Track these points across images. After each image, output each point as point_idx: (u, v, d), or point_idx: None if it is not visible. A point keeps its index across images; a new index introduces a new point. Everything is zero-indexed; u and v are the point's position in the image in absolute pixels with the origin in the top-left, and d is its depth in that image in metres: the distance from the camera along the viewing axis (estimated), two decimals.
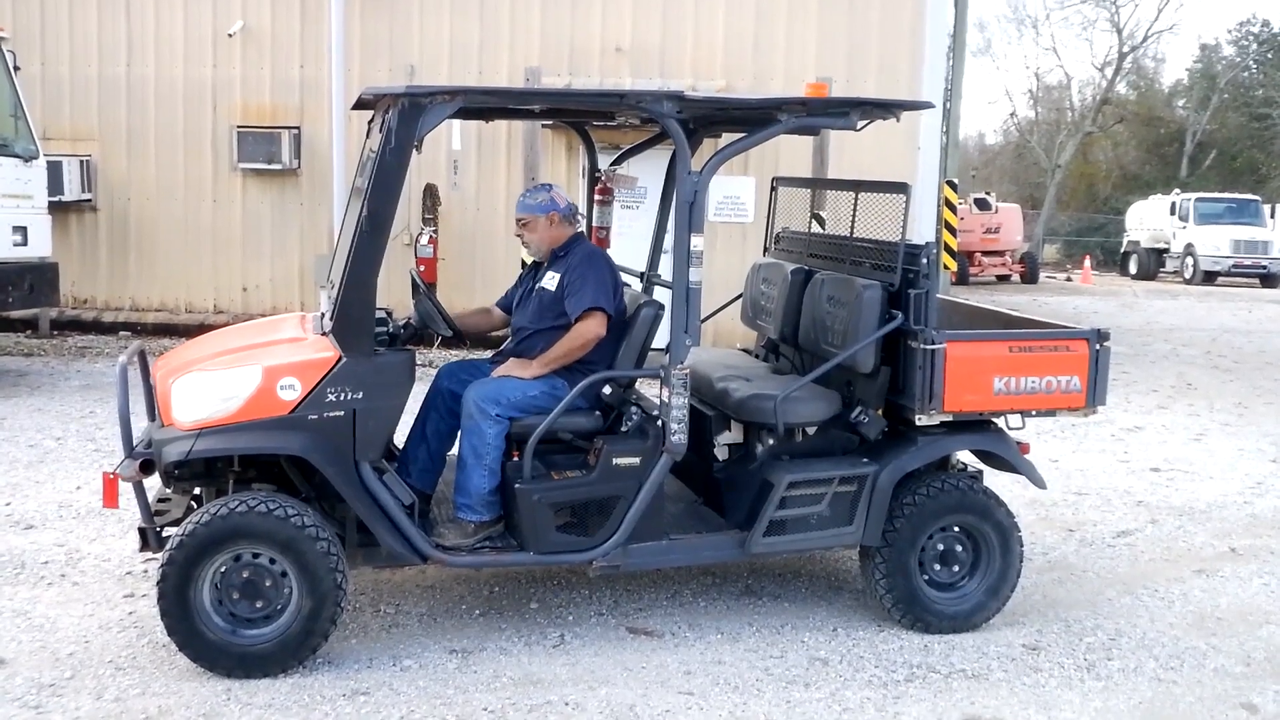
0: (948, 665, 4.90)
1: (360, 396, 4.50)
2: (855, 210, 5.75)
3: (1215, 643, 5.28)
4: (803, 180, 6.35)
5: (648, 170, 13.10)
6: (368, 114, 5.31)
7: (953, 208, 12.99)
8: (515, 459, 4.88)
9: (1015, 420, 5.34)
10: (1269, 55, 45.65)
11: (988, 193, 29.13)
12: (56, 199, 12.47)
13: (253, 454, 4.63)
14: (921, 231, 12.45)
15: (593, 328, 4.99)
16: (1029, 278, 27.56)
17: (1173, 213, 31.23)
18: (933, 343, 4.95)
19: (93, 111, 13.59)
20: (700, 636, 5.11)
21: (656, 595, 5.56)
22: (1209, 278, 29.40)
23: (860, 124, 4.97)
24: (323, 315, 5.22)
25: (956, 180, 15.39)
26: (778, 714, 4.41)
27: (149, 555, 5.75)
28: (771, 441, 5.20)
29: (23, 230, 10.48)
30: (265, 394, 4.46)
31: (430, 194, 12.87)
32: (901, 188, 5.35)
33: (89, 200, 13.55)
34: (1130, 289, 27.50)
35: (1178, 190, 33.51)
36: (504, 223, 13.13)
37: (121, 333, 13.43)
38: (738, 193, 12.96)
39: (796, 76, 12.92)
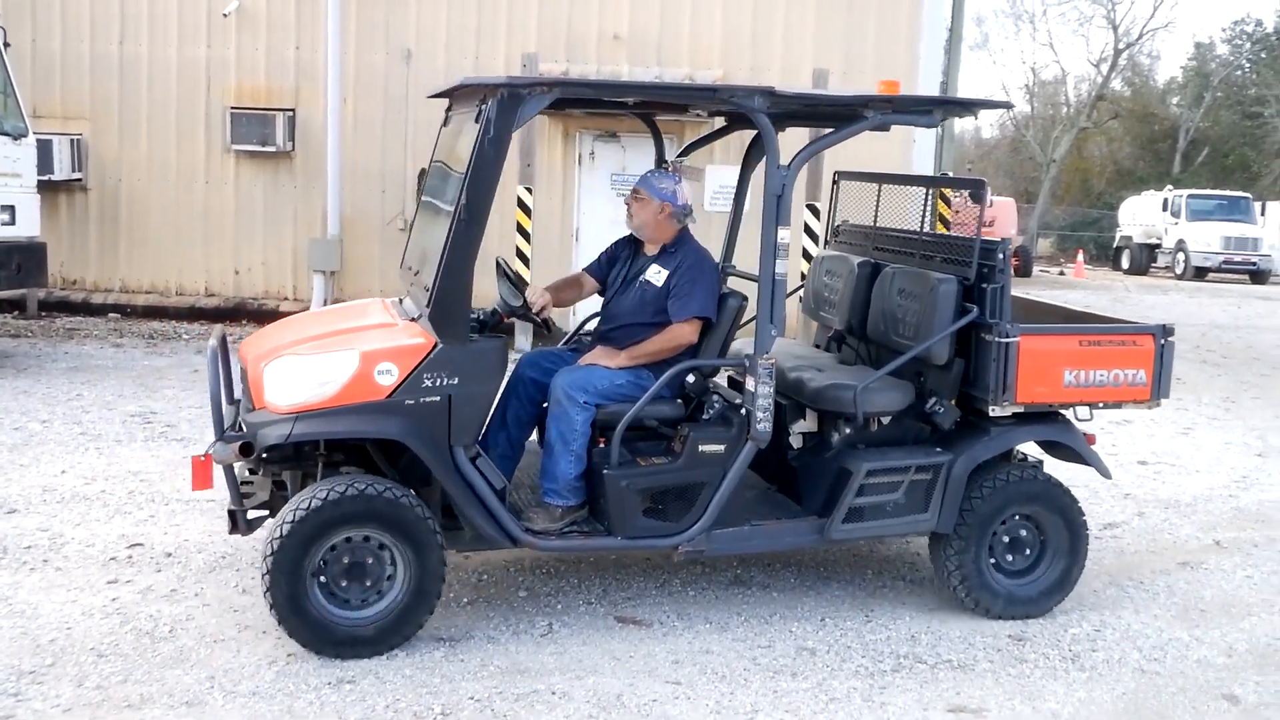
0: (934, 656, 4.93)
1: (456, 382, 4.58)
2: (926, 206, 5.94)
3: (1198, 634, 5.31)
4: (868, 175, 6.42)
5: (642, 160, 13.06)
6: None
7: (947, 201, 13.01)
8: (601, 445, 4.96)
9: (1083, 412, 5.47)
10: (1262, 54, 45.71)
11: (986, 187, 29.10)
12: (46, 178, 12.41)
13: (352, 438, 4.67)
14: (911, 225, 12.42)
15: (688, 334, 5.11)
16: (1023, 271, 27.58)
17: (1165, 209, 31.29)
18: (1007, 336, 5.07)
19: (85, 90, 13.53)
20: (688, 626, 5.12)
21: (645, 585, 5.57)
22: (1200, 273, 29.48)
23: (940, 121, 5.12)
24: (400, 300, 5.35)
25: (952, 174, 15.39)
26: (765, 704, 4.43)
27: (133, 542, 5.79)
28: (848, 430, 5.25)
29: (10, 209, 10.41)
30: (362, 378, 4.53)
31: (424, 178, 12.82)
32: (979, 184, 5.53)
33: (79, 180, 13.50)
34: (1122, 284, 27.53)
35: (1170, 186, 33.54)
36: (498, 208, 13.03)
37: (110, 315, 13.38)
38: (734, 182, 12.91)
39: (793, 68, 12.91)
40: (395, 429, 4.52)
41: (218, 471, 4.72)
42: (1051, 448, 5.59)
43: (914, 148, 13.04)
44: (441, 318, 4.58)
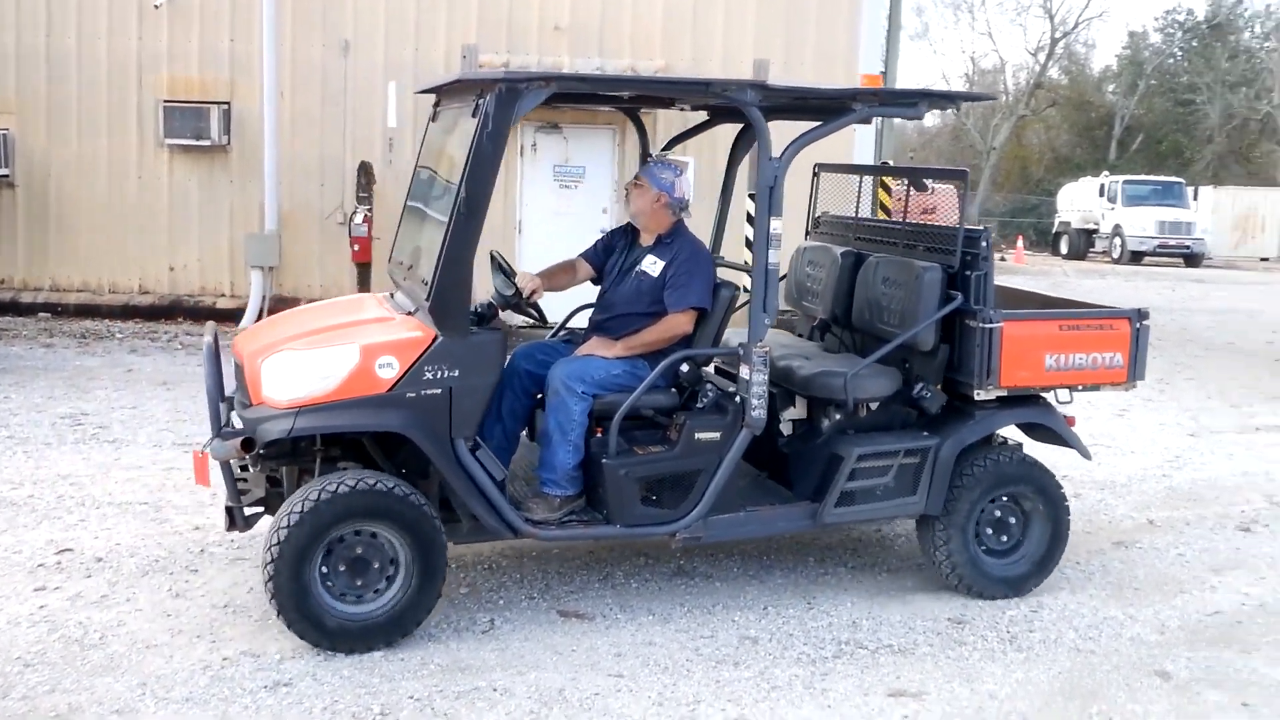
0: (875, 641, 4.96)
1: (456, 374, 4.62)
2: (908, 196, 6.08)
3: (1132, 612, 5.40)
4: (849, 166, 6.53)
5: (584, 151, 13.04)
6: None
7: (888, 189, 13.08)
8: (599, 435, 4.98)
9: (1063, 395, 5.60)
10: (1193, 43, 46.54)
11: (928, 179, 29.37)
12: None
13: (353, 432, 4.69)
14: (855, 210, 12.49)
15: (684, 324, 5.16)
16: None
17: (1102, 194, 31.78)
18: (991, 322, 5.19)
19: (10, 83, 13.20)
20: (631, 618, 5.11)
21: (588, 578, 5.56)
22: (1136, 257, 29.98)
23: (925, 113, 5.21)
24: (392, 295, 5.38)
25: (893, 161, 15.49)
26: (707, 694, 4.43)
27: (62, 547, 5.68)
28: (839, 416, 5.34)
29: None
30: (363, 372, 4.55)
31: (365, 172, 12.70)
32: (961, 174, 5.67)
33: (6, 176, 13.19)
34: (1061, 268, 27.91)
35: (1106, 173, 34.07)
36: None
37: (40, 314, 13.10)
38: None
39: (734, 57, 12.94)
40: (398, 422, 4.54)
41: (214, 467, 4.71)
42: (1032, 430, 5.72)
43: (855, 137, 13.08)
44: (442, 310, 4.60)
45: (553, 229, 12.91)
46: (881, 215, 14.38)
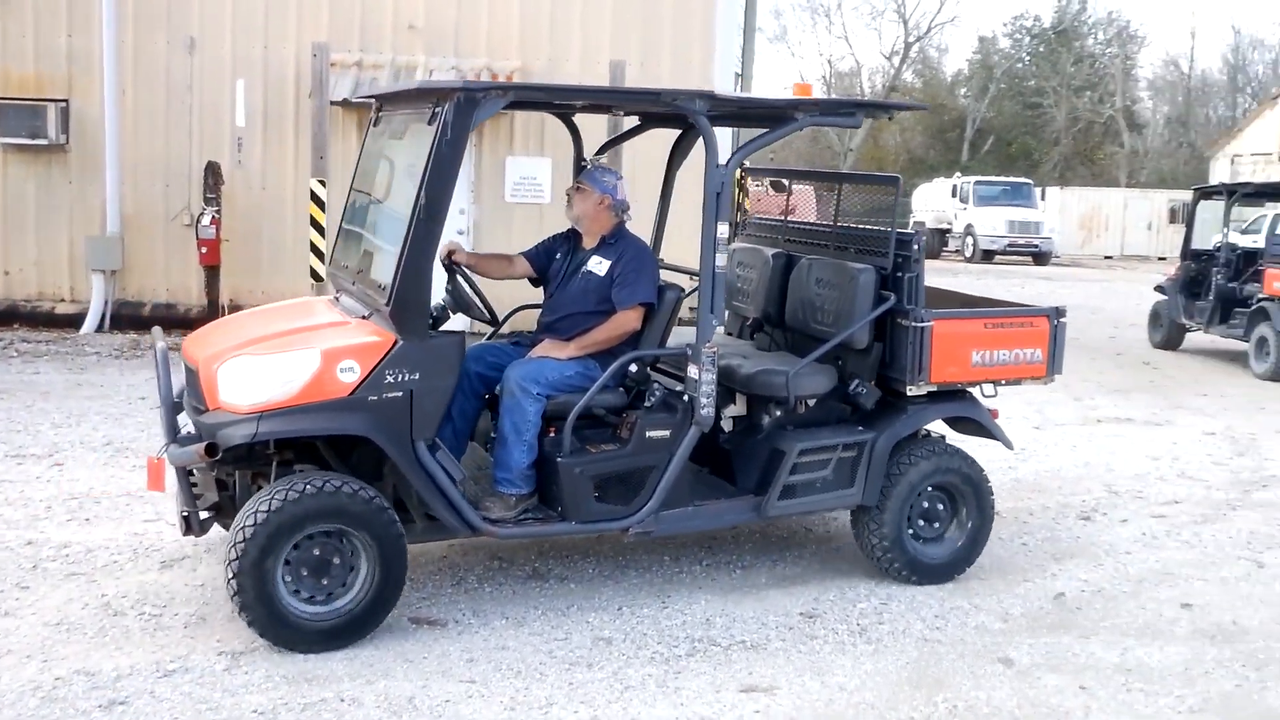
0: (728, 637, 5.00)
1: (417, 377, 4.69)
2: (839, 199, 6.32)
3: (977, 601, 5.56)
4: (774, 170, 6.81)
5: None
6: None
7: (745, 189, 13.25)
8: (551, 435, 5.09)
9: (988, 389, 5.90)
10: (1040, 48, 48.45)
11: (783, 180, 29.92)
12: None
13: (316, 435, 4.74)
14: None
15: (633, 320, 5.29)
16: None
17: (954, 195, 32.79)
18: (922, 321, 5.44)
19: None
20: (484, 623, 5.05)
21: (441, 583, 5.47)
22: (987, 256, 31.01)
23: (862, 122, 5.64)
24: (337, 299, 5.47)
25: (749, 163, 15.64)
26: (560, 696, 4.40)
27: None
28: (779, 413, 5.51)
29: None
30: (325, 376, 4.59)
31: (212, 172, 12.28)
32: (893, 180, 5.96)
33: None
34: None
35: (959, 174, 35.17)
36: (292, 202, 12.68)
37: None
38: (534, 173, 12.87)
39: (591, 58, 12.91)
40: (360, 425, 4.61)
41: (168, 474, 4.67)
42: (956, 423, 6.00)
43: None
44: (402, 315, 4.67)
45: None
46: (738, 215, 14.57)
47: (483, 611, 5.17)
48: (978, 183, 32.95)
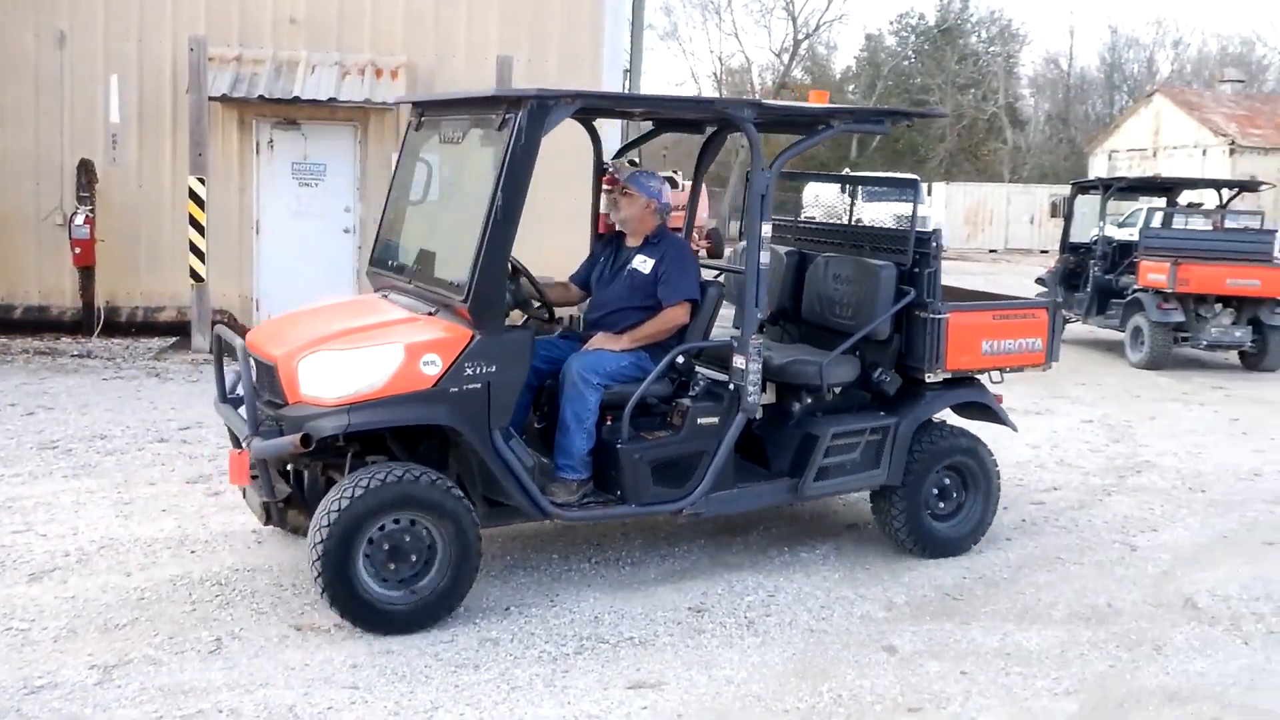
0: (616, 634, 4.99)
1: (494, 370, 4.95)
2: (853, 200, 6.90)
3: (863, 591, 5.64)
4: (787, 174, 7.04)
5: (325, 148, 12.63)
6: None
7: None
8: (609, 423, 5.38)
9: (995, 376, 6.33)
10: (925, 46, 49.44)
11: (675, 171, 30.12)
12: None
13: (405, 426, 4.98)
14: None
15: (681, 315, 5.62)
16: (715, 252, 28.62)
17: (843, 190, 33.27)
18: (939, 313, 5.84)
19: None
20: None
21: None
22: None
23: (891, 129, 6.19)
24: (385, 296, 5.67)
25: (638, 159, 15.68)
26: (445, 699, 4.35)
27: None
28: (809, 400, 5.85)
29: None
30: (409, 369, 4.83)
31: (85, 170, 11.87)
32: (911, 183, 6.40)
33: None
34: None
35: (848, 169, 35.76)
36: (170, 201, 12.32)
37: None
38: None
39: (479, 53, 12.78)
40: (445, 415, 4.87)
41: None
42: (964, 408, 6.42)
43: (602, 134, 13.17)
44: (480, 310, 4.91)
45: (294, 228, 12.45)
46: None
47: None
48: (866, 179, 33.48)
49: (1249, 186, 15.72)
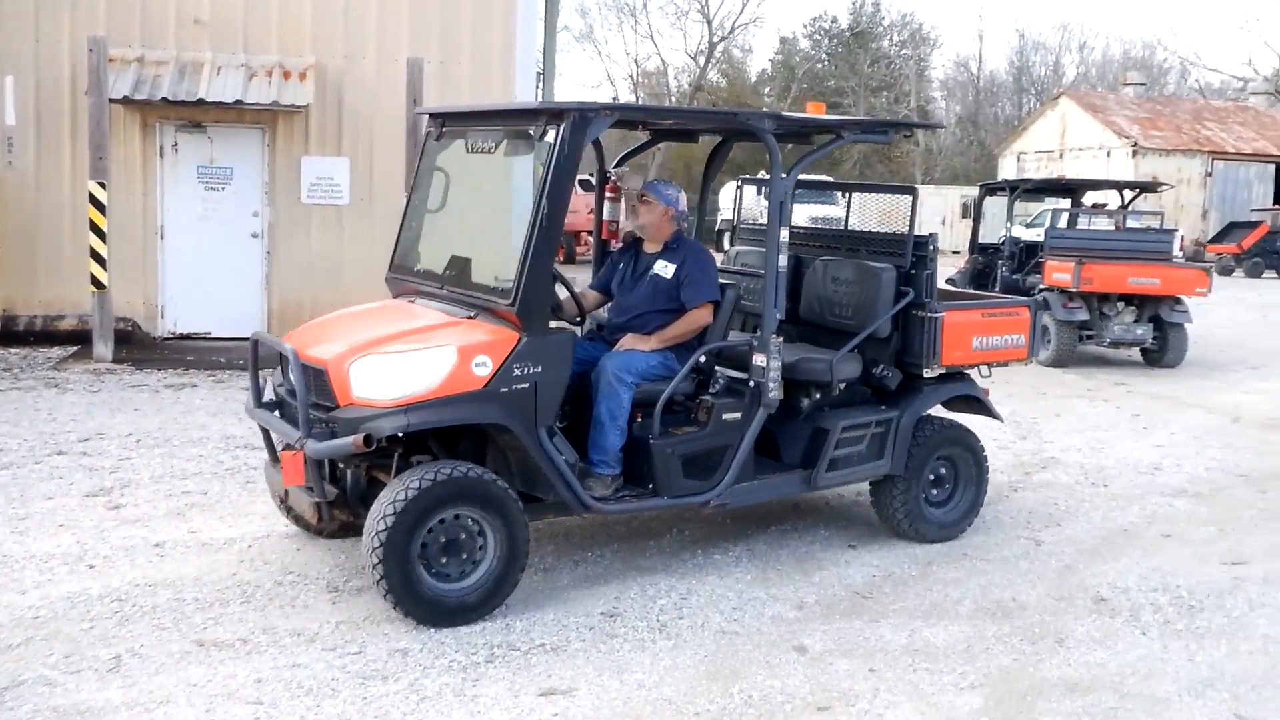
0: (528, 641, 4.95)
1: (540, 370, 5.14)
2: (850, 205, 7.11)
3: (774, 592, 5.67)
4: (817, 182, 7.35)
5: (231, 151, 12.38)
6: None
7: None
8: (639, 420, 5.59)
9: (984, 371, 6.75)
10: (839, 49, 50.10)
11: (591, 174, 30.14)
12: None
13: (461, 424, 5.13)
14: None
15: (705, 316, 5.86)
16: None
17: (759, 193, 33.51)
18: (936, 312, 6.17)
19: None
20: (274, 641, 4.86)
21: (228, 601, 5.25)
22: None
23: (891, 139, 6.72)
24: (412, 301, 5.80)
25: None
26: (353, 711, 4.28)
27: None
28: (818, 396, 6.14)
29: None
30: (462, 371, 5.00)
31: None
32: (910, 190, 6.76)
33: None
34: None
35: (763, 172, 35.94)
36: (70, 205, 11.99)
37: None
38: (331, 174, 12.52)
39: (389, 54, 12.63)
40: (498, 414, 5.04)
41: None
42: (953, 401, 6.72)
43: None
44: (527, 313, 5.11)
45: (199, 231, 12.21)
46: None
47: (273, 629, 4.98)
48: (862, 186, 33.65)
49: (1149, 187, 16.17)
